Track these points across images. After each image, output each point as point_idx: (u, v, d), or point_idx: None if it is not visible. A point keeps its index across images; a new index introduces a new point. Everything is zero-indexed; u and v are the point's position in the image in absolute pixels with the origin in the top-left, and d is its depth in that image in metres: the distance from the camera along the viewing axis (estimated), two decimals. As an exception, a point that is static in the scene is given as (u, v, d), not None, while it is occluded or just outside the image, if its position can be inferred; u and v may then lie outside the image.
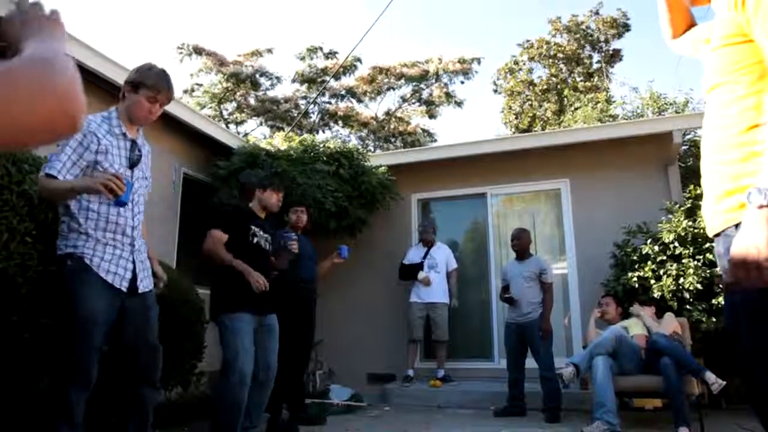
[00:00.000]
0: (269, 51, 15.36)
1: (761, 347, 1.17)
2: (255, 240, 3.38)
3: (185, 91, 15.23)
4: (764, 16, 1.14)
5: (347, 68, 14.75)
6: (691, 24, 1.56)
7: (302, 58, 15.49)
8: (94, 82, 4.59)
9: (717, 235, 1.27)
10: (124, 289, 2.37)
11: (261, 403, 3.42)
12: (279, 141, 6.65)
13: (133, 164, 2.48)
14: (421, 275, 5.93)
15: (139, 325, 2.43)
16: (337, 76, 14.80)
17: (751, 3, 1.16)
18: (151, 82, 2.44)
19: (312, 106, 15.44)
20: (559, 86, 17.21)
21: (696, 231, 5.00)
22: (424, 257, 6.06)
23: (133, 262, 2.43)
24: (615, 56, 17.41)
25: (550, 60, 17.62)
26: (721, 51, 1.27)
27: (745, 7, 1.18)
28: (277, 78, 15.62)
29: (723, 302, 3.14)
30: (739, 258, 1.07)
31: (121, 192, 2.17)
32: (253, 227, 3.39)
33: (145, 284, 2.48)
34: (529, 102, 17.73)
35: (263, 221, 3.52)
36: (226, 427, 3.11)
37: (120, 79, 4.43)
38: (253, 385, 3.28)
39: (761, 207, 1.06)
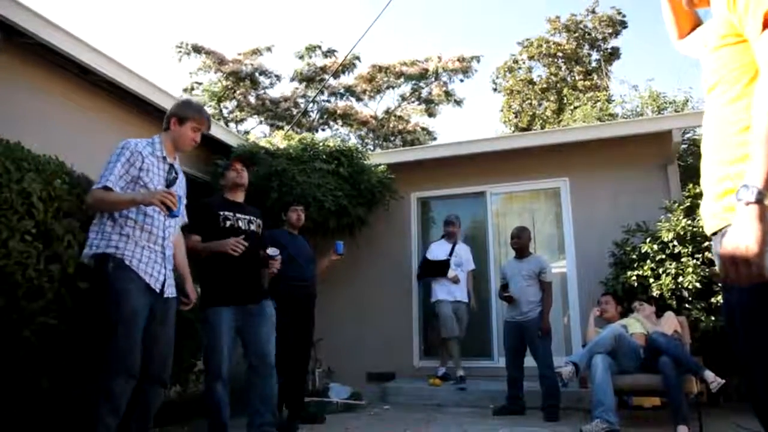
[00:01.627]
0: (269, 49, 15.32)
1: (757, 347, 1.18)
2: (228, 224, 3.42)
3: (185, 90, 15.20)
4: (753, 13, 1.14)
5: (346, 67, 14.72)
6: (697, 24, 1.55)
7: (301, 57, 15.45)
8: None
9: (715, 234, 1.28)
10: (158, 290, 2.60)
11: (266, 395, 3.36)
12: (278, 139, 6.65)
13: (169, 184, 2.77)
14: (451, 273, 5.79)
15: (159, 329, 2.62)
16: (336, 75, 14.77)
17: (742, 1, 1.16)
18: (197, 116, 2.85)
19: (311, 104, 15.42)
20: (558, 85, 17.19)
21: (695, 230, 5.00)
22: (450, 254, 5.92)
23: (165, 268, 2.67)
24: (614, 55, 17.41)
25: (550, 59, 17.59)
26: (719, 52, 1.28)
27: (736, 6, 1.18)
28: (277, 77, 15.61)
29: (722, 301, 3.15)
30: (728, 255, 1.08)
31: (174, 207, 2.48)
32: (223, 213, 3.44)
33: (170, 291, 2.70)
34: (529, 101, 17.70)
35: (238, 204, 3.55)
36: (215, 424, 3.22)
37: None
38: (252, 378, 3.34)
39: (748, 204, 1.07)
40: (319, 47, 15.31)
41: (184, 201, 2.83)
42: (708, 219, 1.30)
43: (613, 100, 13.88)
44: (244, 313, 3.35)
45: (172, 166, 2.83)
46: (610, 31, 17.13)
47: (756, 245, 1.04)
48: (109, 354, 2.40)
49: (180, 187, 2.86)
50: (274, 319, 3.49)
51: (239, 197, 3.60)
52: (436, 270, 5.90)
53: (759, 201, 1.06)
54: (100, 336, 2.44)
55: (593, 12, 17.32)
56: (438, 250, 6.00)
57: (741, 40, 1.22)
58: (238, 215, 3.48)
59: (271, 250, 3.58)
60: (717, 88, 1.29)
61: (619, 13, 17.05)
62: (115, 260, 2.48)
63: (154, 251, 2.62)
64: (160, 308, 2.62)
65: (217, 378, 3.23)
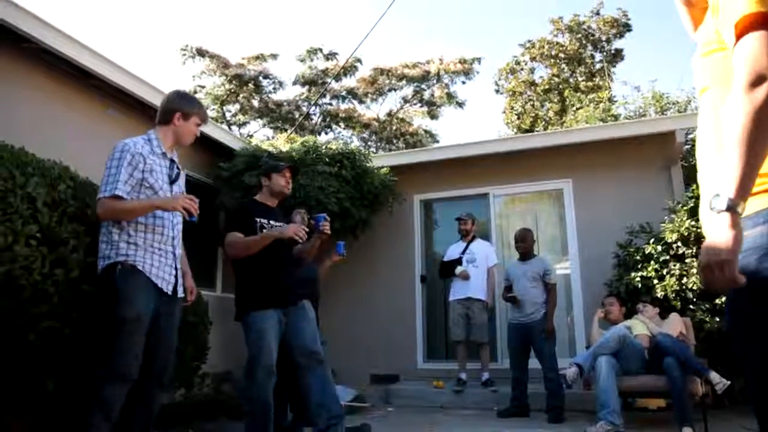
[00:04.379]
0: (273, 56, 15.38)
1: (749, 349, 1.18)
2: (264, 231, 3.34)
3: (187, 93, 15.24)
4: (728, 24, 1.14)
5: (348, 69, 14.75)
6: None
7: (302, 60, 15.50)
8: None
9: None
10: (170, 293, 2.62)
11: (328, 391, 3.26)
12: (281, 142, 6.66)
13: (173, 181, 2.75)
14: (458, 270, 5.69)
15: (165, 329, 2.62)
16: (338, 78, 14.80)
17: (722, 10, 1.17)
18: (201, 111, 2.85)
19: (313, 107, 15.45)
20: (561, 86, 17.17)
21: (699, 231, 4.98)
22: (463, 252, 5.82)
23: (175, 269, 2.67)
24: (617, 56, 17.37)
25: (552, 60, 17.57)
26: (708, 57, 1.29)
27: (718, 14, 1.19)
28: (280, 83, 15.65)
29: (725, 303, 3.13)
30: (704, 262, 1.10)
31: (196, 213, 2.53)
32: (258, 220, 3.35)
33: (181, 290, 2.73)
34: (531, 102, 17.68)
35: (272, 209, 3.49)
36: (259, 425, 3.09)
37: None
38: (304, 378, 3.25)
39: (720, 212, 1.09)
40: (321, 50, 15.35)
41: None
42: (705, 223, 1.30)
43: (616, 101, 13.87)
44: (287, 315, 3.29)
45: (173, 161, 2.79)
46: (614, 32, 17.10)
47: (728, 253, 1.07)
48: (108, 357, 2.39)
49: (182, 182, 2.86)
50: (314, 317, 3.42)
51: (274, 202, 3.53)
52: (449, 270, 5.85)
53: (730, 209, 1.08)
54: (102, 340, 2.43)
55: (597, 14, 17.30)
56: (453, 250, 5.95)
57: (726, 47, 1.22)
58: (271, 222, 3.42)
59: (319, 216, 3.56)
60: (709, 91, 1.30)
61: (625, 15, 17.02)
62: (124, 265, 2.48)
63: (165, 252, 2.62)
64: (166, 308, 2.61)
65: (269, 373, 3.10)
